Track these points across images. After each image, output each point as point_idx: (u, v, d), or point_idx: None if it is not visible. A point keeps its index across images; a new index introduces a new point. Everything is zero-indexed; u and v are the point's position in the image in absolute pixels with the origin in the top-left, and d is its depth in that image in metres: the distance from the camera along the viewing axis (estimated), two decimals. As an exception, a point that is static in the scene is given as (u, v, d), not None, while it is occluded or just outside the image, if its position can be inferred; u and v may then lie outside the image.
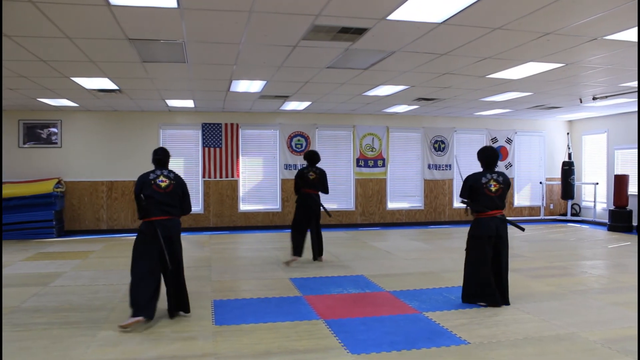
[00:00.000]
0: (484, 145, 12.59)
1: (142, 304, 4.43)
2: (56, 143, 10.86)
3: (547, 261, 7.62)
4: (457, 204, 12.69)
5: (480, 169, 5.31)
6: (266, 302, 5.32)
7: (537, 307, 5.05)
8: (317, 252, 7.56)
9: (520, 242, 9.76)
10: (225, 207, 11.59)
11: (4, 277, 6.30)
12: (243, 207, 11.71)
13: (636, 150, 11.02)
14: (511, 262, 7.42)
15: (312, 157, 7.48)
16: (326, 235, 10.57)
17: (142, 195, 4.64)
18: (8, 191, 9.75)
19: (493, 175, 5.19)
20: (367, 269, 7.05)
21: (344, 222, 12.12)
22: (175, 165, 11.46)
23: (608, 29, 4.88)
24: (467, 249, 5.32)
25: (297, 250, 7.31)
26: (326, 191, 7.49)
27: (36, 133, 10.76)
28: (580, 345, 3.99)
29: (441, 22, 4.73)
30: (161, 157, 4.87)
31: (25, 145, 10.72)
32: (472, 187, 5.19)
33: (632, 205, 11.09)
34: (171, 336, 4.23)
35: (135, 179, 4.83)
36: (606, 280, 6.33)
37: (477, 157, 5.33)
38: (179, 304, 4.79)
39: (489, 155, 5.26)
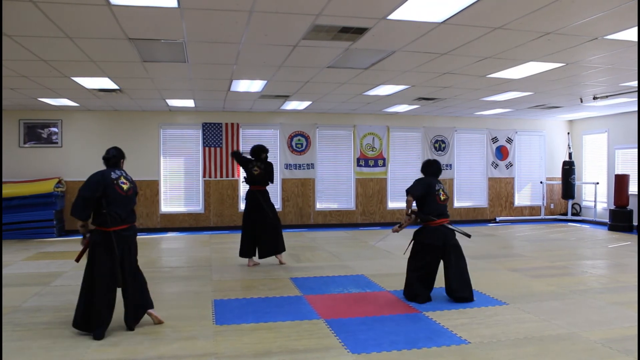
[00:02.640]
0: (484, 144, 12.84)
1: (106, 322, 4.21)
2: (56, 143, 10.86)
3: (547, 261, 7.62)
4: (457, 203, 12.73)
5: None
6: (267, 302, 5.32)
7: (538, 307, 5.05)
8: (269, 250, 7.13)
9: (520, 241, 9.76)
10: (226, 207, 11.59)
11: (4, 276, 6.31)
12: (244, 206, 11.67)
13: (636, 149, 11.02)
14: (512, 262, 7.49)
15: (256, 151, 7.24)
16: (327, 234, 10.65)
17: (102, 199, 4.17)
18: (8, 191, 9.75)
19: (440, 185, 5.43)
20: (368, 268, 7.05)
21: (344, 221, 12.12)
22: (176, 165, 11.49)
23: (608, 28, 4.88)
24: (412, 254, 5.45)
25: (246, 252, 7.17)
26: (270, 181, 7.27)
27: (37, 133, 10.77)
28: (580, 345, 3.99)
29: (441, 22, 4.73)
30: (116, 154, 4.58)
31: (26, 145, 10.72)
32: (427, 192, 5.31)
33: (632, 204, 11.08)
34: (171, 336, 4.23)
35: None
36: (607, 280, 6.32)
37: (425, 169, 5.56)
38: (145, 306, 4.47)
39: (439, 168, 5.56)
